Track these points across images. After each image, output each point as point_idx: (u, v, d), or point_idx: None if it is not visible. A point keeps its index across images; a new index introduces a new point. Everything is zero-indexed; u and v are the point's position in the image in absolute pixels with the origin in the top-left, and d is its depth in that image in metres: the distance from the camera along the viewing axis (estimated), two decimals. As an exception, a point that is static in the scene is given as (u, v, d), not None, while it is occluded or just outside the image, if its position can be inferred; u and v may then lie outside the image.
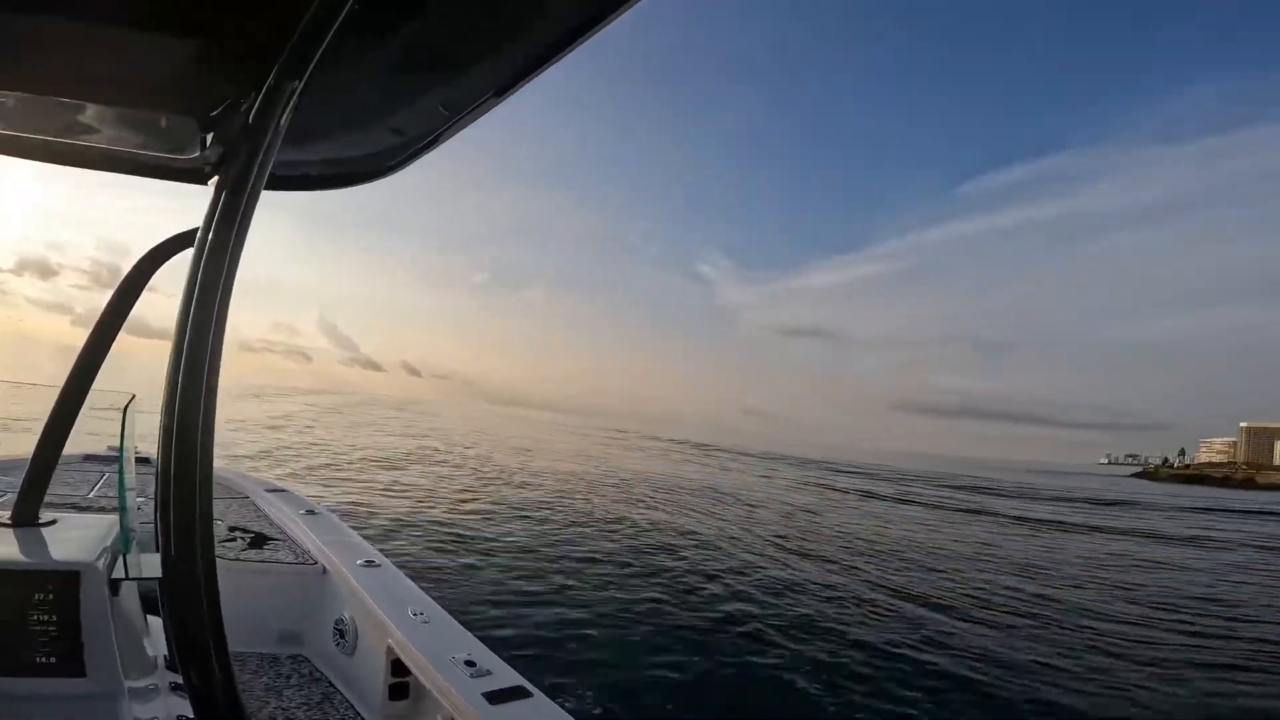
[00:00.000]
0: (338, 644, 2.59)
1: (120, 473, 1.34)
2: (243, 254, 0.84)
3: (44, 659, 1.03)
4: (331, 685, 2.52)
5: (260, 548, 2.92)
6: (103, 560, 1.22)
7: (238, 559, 2.75)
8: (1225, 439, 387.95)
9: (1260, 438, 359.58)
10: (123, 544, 1.26)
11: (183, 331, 0.80)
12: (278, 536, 3.12)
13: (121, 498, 1.29)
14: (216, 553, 2.64)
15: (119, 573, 1.27)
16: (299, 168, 1.43)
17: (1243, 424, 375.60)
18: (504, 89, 1.05)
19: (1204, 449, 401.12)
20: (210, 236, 0.83)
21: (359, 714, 2.34)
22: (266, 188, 0.95)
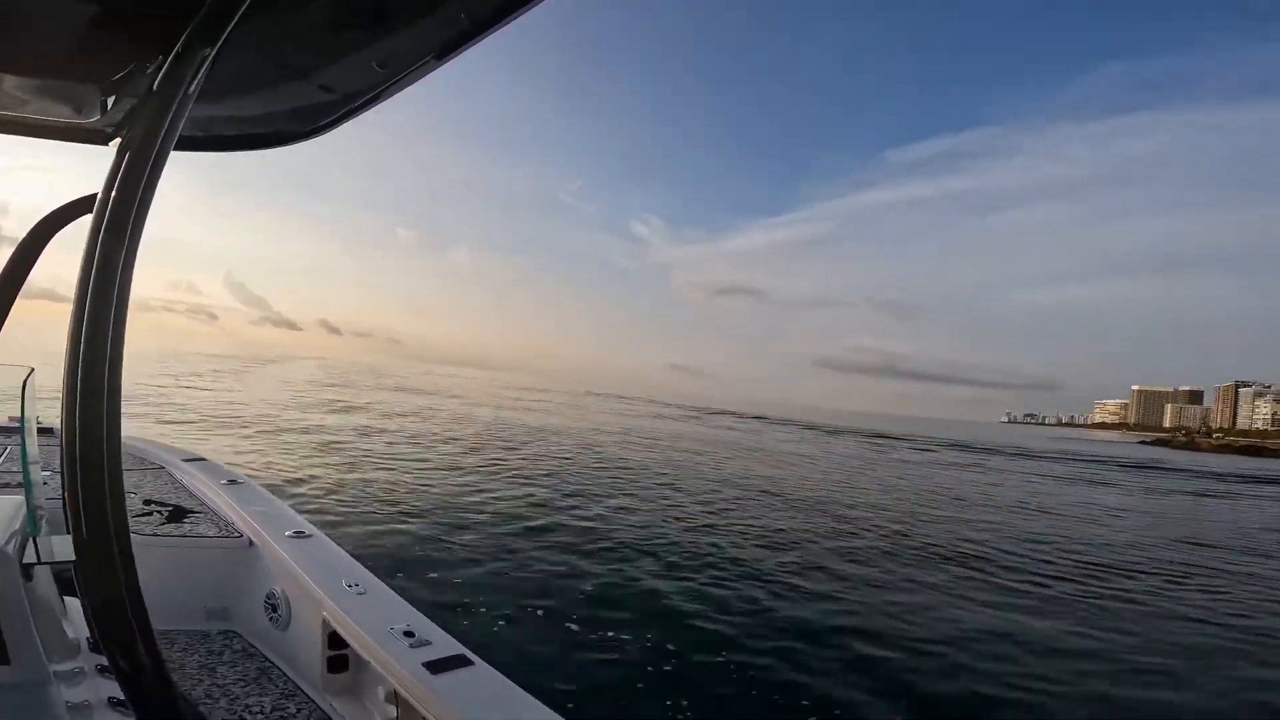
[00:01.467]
0: (270, 619, 2.49)
1: (23, 448, 1.25)
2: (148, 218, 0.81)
3: None
4: (267, 660, 2.44)
5: (179, 521, 2.75)
6: (11, 544, 1.17)
7: (155, 534, 2.58)
8: (1117, 400, 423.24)
9: (1151, 400, 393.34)
10: (30, 525, 1.18)
11: (83, 299, 0.77)
12: (198, 509, 2.95)
13: (26, 475, 1.21)
14: (132, 528, 2.50)
15: (30, 557, 1.21)
16: (217, 126, 1.33)
17: (1134, 387, 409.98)
18: (445, 51, 1.02)
19: (1098, 410, 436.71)
20: (111, 201, 0.80)
21: (298, 687, 2.28)
22: (181, 148, 0.89)
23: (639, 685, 4.56)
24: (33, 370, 1.26)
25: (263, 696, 2.21)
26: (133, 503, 2.89)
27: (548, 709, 1.67)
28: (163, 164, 0.82)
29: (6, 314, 1.44)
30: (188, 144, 1.27)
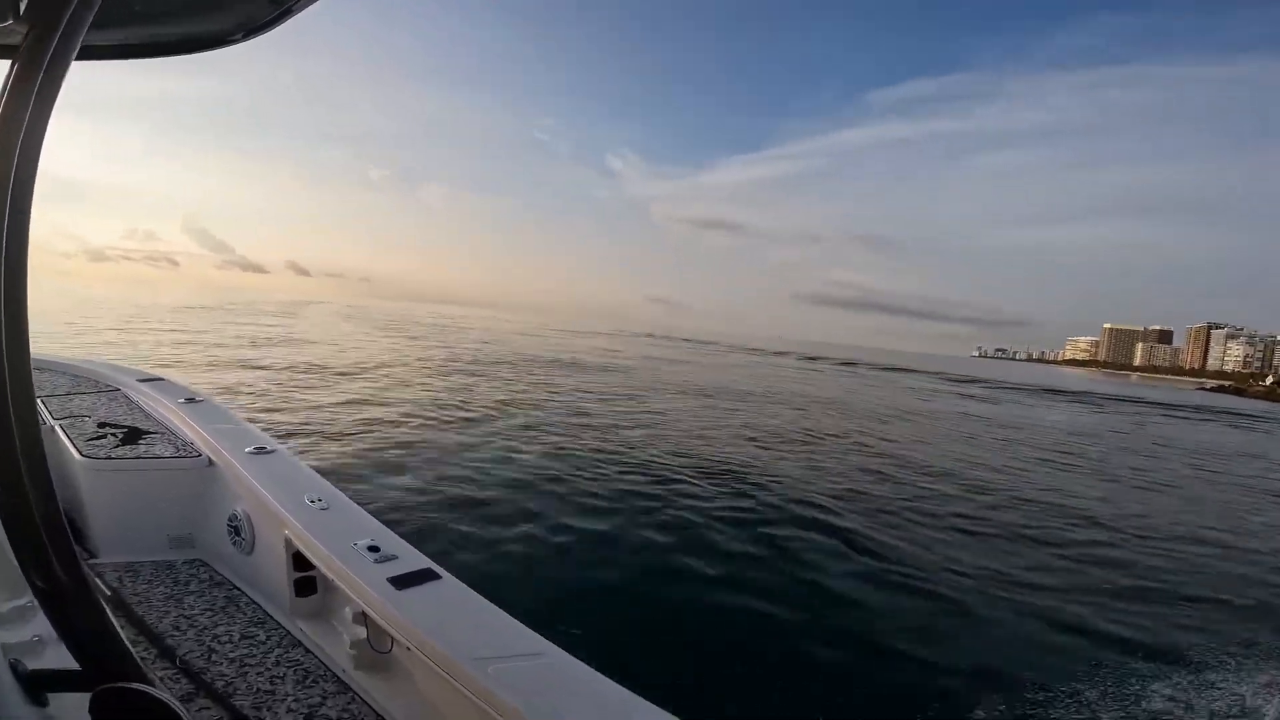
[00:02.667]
0: (234, 542, 2.49)
1: None
2: (47, 146, 0.72)
3: None
4: (235, 588, 2.43)
5: (135, 443, 2.69)
6: None
7: (109, 458, 2.53)
8: (1088, 338, 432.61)
9: (1121, 338, 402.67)
10: None
11: None
12: (154, 430, 2.89)
13: None
14: (86, 452, 2.40)
15: None
16: (133, 25, 1.15)
17: (1105, 325, 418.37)
18: None
19: (1070, 346, 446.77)
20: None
21: (268, 614, 2.28)
22: (92, 57, 0.76)
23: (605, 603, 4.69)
24: None
25: (231, 625, 2.21)
26: (87, 426, 2.82)
27: (517, 621, 1.68)
28: (59, 76, 0.73)
29: None
30: (101, 52, 1.13)
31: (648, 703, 1.43)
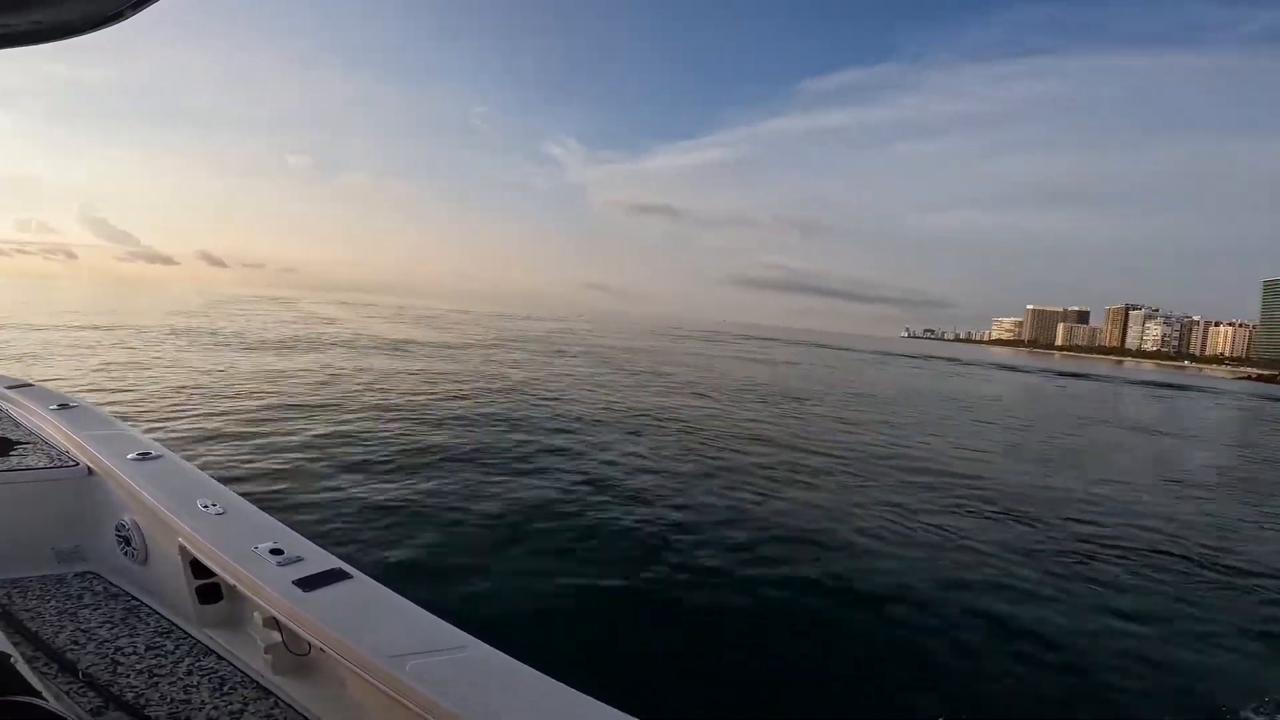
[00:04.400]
0: (125, 553, 2.33)
1: None
2: None
3: None
4: (134, 599, 2.30)
5: (6, 455, 2.49)
6: None
7: None
8: (1013, 319, 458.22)
9: (1044, 319, 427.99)
10: None
11: None
12: (26, 439, 2.68)
13: None
14: None
15: None
16: None
17: (1029, 306, 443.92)
18: None
19: (996, 327, 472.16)
20: None
21: (174, 624, 2.17)
22: None
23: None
24: None
25: (134, 637, 2.10)
26: None
27: (435, 616, 1.65)
28: None
29: None
30: None
31: (571, 689, 1.43)
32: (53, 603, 2.25)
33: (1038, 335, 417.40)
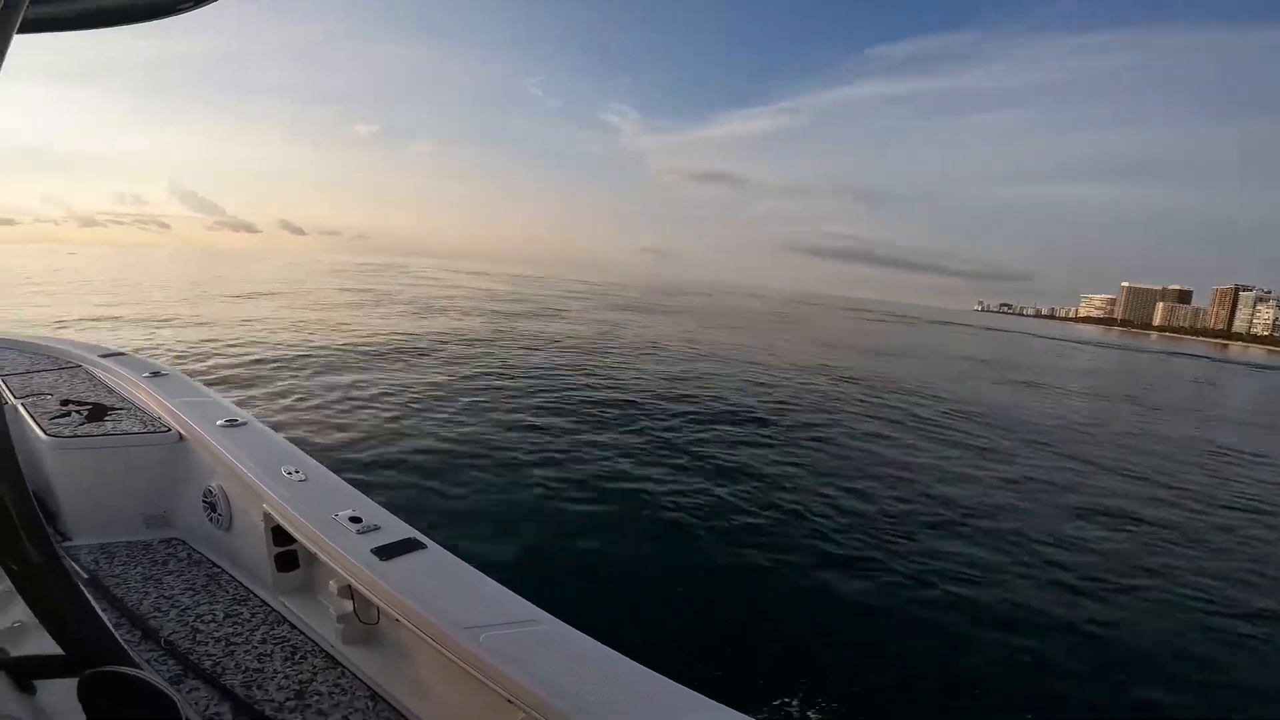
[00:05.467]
0: (211, 519, 2.44)
1: None
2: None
3: None
4: (215, 565, 2.40)
5: (100, 420, 2.63)
6: None
7: (75, 435, 2.46)
8: (1104, 295, 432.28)
9: (1140, 297, 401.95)
10: None
11: None
12: (120, 405, 2.82)
13: None
14: (49, 430, 2.33)
15: None
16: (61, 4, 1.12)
17: (1124, 283, 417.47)
18: None
19: (1085, 303, 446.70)
20: None
21: (251, 591, 2.26)
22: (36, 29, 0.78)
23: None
24: None
25: (214, 604, 2.19)
26: (49, 404, 2.74)
27: (507, 589, 1.66)
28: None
29: None
30: (44, 25, 1.10)
31: (644, 668, 1.42)
32: (139, 569, 2.36)
33: (1132, 314, 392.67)
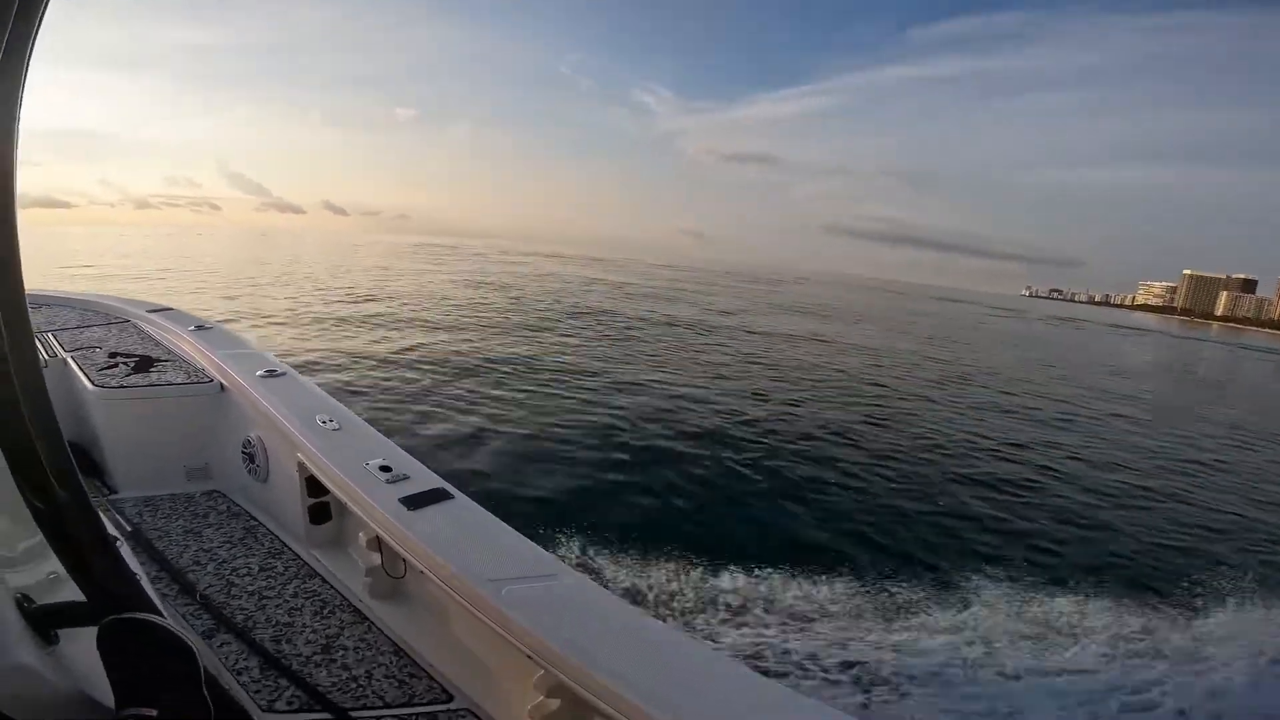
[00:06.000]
0: (249, 470, 2.53)
1: None
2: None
3: None
4: (253, 519, 2.50)
5: (146, 372, 2.72)
6: None
7: (121, 386, 2.56)
8: (1164, 283, 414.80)
9: (1202, 286, 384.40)
10: None
11: None
12: (166, 358, 2.92)
13: None
14: (98, 381, 2.41)
15: None
16: None
17: (1186, 270, 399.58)
18: None
19: (1143, 291, 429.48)
20: None
21: (285, 544, 2.35)
22: None
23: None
24: None
25: (249, 557, 2.27)
26: (98, 357, 2.84)
27: (530, 541, 1.67)
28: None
29: None
30: None
31: (665, 625, 1.44)
32: (180, 521, 2.45)
33: (1193, 303, 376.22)
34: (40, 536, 0.78)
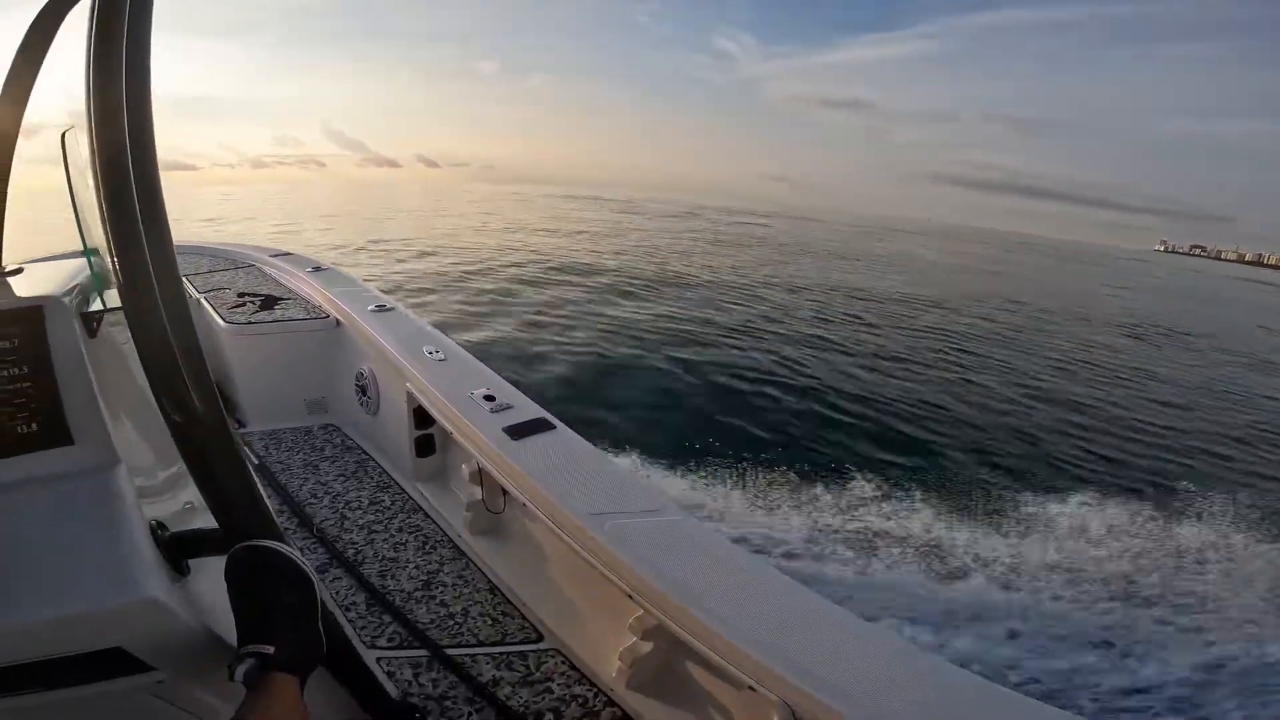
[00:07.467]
0: (362, 402, 2.72)
1: (73, 206, 1.16)
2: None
3: (23, 426, 0.84)
4: (364, 452, 2.68)
5: (271, 309, 2.98)
6: (71, 297, 1.02)
7: (249, 323, 2.82)
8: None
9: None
10: (95, 280, 1.11)
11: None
12: (287, 297, 3.18)
13: (81, 233, 1.15)
14: (228, 319, 2.63)
15: (95, 307, 1.07)
16: None
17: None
18: None
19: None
20: None
21: (393, 478, 2.50)
22: None
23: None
24: (72, 126, 1.17)
25: (360, 491, 2.43)
26: (228, 297, 3.10)
27: (633, 474, 1.68)
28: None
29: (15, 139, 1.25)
30: None
31: (772, 567, 1.40)
32: (300, 454, 2.65)
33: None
34: (179, 465, 0.78)
